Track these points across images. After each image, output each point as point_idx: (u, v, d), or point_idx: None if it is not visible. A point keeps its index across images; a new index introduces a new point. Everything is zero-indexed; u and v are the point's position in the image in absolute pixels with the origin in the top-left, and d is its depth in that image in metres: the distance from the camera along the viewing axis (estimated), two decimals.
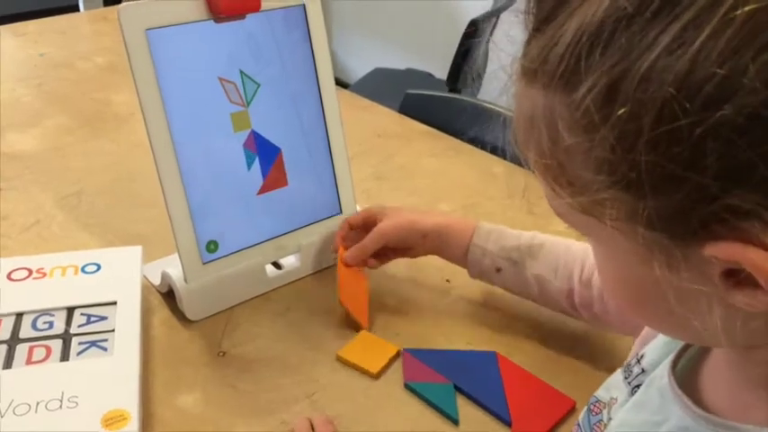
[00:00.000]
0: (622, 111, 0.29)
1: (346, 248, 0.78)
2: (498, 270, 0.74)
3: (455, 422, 0.65)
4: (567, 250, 0.71)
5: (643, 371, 0.46)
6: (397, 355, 0.72)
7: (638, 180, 0.29)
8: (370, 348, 0.72)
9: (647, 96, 0.28)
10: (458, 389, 0.68)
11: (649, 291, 0.35)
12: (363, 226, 0.79)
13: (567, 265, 0.70)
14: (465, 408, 0.66)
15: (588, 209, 0.33)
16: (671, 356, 0.44)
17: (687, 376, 0.43)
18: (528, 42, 0.34)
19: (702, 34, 0.27)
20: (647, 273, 0.33)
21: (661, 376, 0.43)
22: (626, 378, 0.48)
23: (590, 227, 0.35)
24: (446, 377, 0.69)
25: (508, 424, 0.64)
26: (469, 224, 0.76)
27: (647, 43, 0.28)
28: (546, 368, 0.71)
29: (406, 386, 0.68)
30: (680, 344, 0.44)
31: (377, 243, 0.76)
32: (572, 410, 0.66)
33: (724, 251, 0.30)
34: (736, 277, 0.31)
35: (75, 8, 1.98)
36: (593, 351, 0.73)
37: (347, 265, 0.77)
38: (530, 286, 0.73)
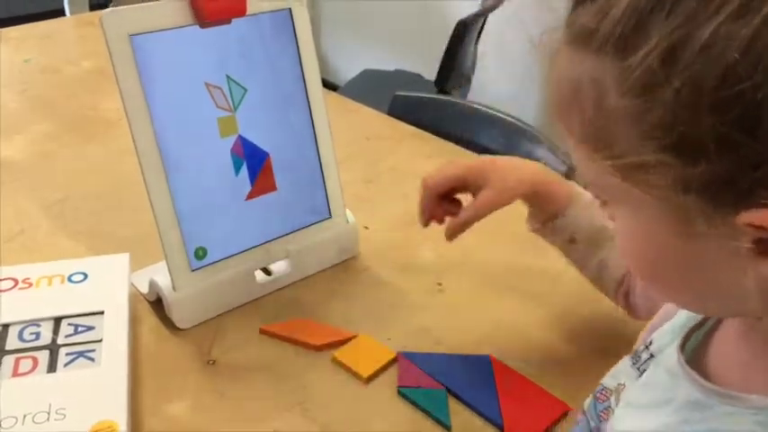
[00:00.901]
0: (684, 74, 0.29)
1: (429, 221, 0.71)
2: (572, 241, 0.69)
3: (447, 428, 0.64)
4: None
5: (651, 356, 0.46)
6: (394, 359, 0.71)
7: (693, 144, 0.30)
8: (367, 352, 0.72)
9: (710, 60, 0.29)
10: (451, 393, 0.68)
11: (675, 260, 0.35)
12: (446, 194, 0.71)
13: None
14: (458, 413, 0.66)
15: (629, 174, 0.33)
16: (679, 338, 0.44)
17: (696, 355, 0.43)
18: (574, 10, 0.34)
19: None
20: (675, 240, 0.33)
21: (669, 357, 0.44)
22: (634, 364, 0.48)
23: (622, 194, 0.35)
24: (440, 381, 0.68)
25: (500, 428, 0.64)
26: (566, 190, 0.69)
27: (713, 8, 0.29)
28: (540, 371, 0.70)
29: (399, 392, 0.68)
30: (688, 328, 0.45)
31: (482, 216, 0.69)
32: (564, 415, 0.65)
33: (761, 218, 0.30)
34: (766, 246, 0.31)
35: (61, 13, 1.96)
36: (587, 355, 0.73)
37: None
38: (592, 269, 0.70)
